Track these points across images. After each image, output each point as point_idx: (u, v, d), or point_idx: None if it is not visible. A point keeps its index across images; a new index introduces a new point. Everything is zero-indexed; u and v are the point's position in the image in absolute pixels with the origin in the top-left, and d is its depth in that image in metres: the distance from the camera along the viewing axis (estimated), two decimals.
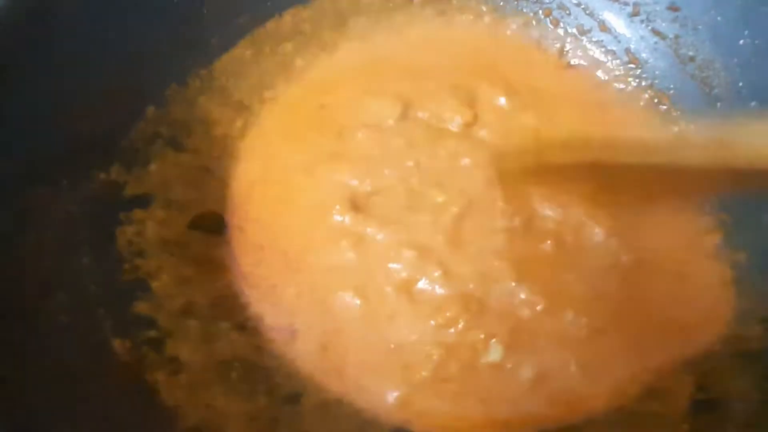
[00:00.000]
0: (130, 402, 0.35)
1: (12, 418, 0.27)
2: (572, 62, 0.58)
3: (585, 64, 0.57)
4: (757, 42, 0.48)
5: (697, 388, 0.41)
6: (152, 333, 0.40)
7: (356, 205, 0.47)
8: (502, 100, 0.53)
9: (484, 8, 0.59)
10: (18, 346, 0.31)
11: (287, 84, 0.56)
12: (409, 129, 0.51)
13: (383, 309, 0.44)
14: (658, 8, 0.54)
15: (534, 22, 0.59)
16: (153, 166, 0.47)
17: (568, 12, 0.58)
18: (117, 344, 0.37)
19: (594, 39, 0.58)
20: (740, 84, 0.49)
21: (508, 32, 0.59)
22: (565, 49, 0.58)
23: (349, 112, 0.53)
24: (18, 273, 0.34)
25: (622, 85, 0.56)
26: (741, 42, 0.49)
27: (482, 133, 0.51)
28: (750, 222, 0.47)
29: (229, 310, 0.44)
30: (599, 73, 0.57)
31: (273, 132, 0.54)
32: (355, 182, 0.48)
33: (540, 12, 0.59)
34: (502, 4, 0.59)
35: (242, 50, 0.55)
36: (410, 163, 0.49)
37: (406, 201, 0.47)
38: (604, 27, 0.57)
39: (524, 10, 0.59)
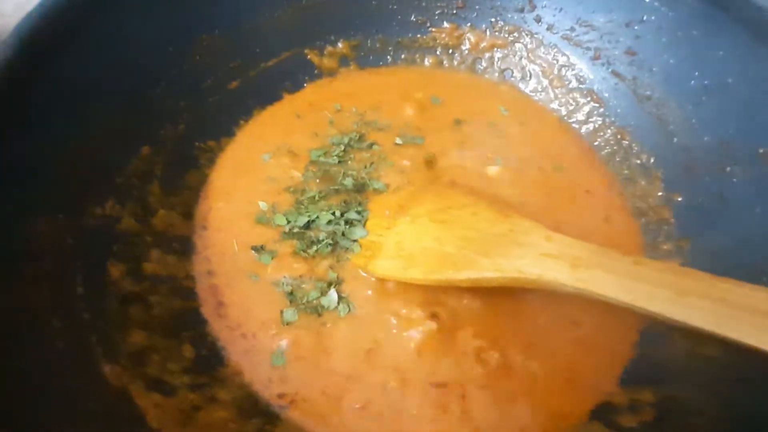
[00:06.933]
0: (120, 424, 0.37)
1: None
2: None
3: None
4: (706, 82, 0.51)
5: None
6: (142, 359, 0.41)
7: None
8: None
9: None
10: (16, 370, 0.33)
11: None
12: None
13: None
14: (616, 52, 0.57)
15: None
16: (146, 203, 0.50)
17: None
18: (107, 369, 0.39)
19: (562, 79, 0.62)
20: (693, 120, 0.52)
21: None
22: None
23: None
24: (15, 300, 0.36)
25: (589, 122, 0.60)
26: (692, 82, 0.52)
27: None
28: None
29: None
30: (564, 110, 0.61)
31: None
32: None
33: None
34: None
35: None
36: None
37: None
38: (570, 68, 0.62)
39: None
